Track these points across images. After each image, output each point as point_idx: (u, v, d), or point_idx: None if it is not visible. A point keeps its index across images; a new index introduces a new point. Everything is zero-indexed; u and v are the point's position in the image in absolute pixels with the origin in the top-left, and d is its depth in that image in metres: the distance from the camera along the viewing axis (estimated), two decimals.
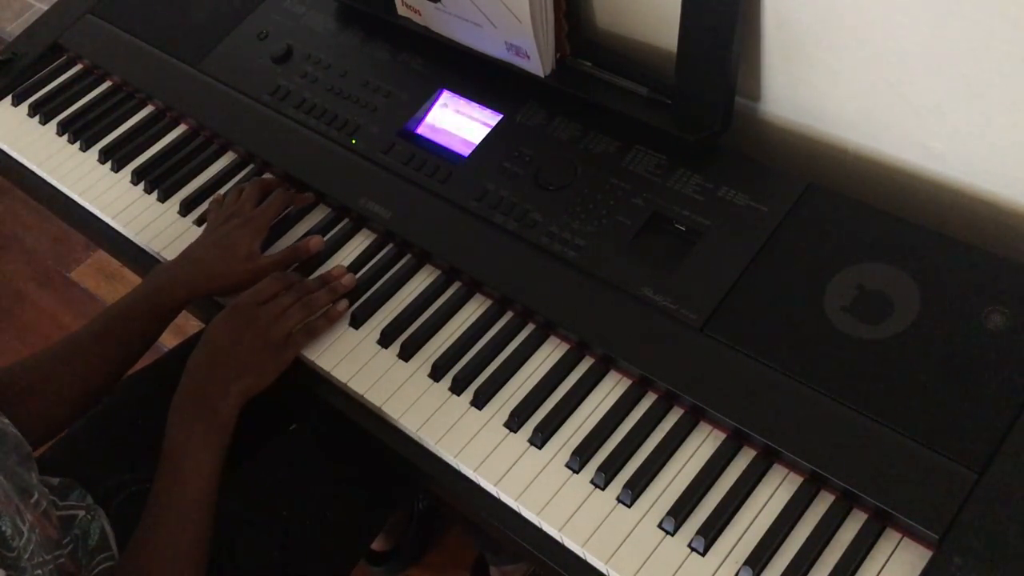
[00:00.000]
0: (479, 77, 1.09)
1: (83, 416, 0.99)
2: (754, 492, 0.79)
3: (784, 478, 0.80)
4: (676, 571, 0.76)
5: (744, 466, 0.81)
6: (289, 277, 0.98)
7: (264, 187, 1.09)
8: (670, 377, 0.85)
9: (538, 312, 0.92)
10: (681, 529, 0.78)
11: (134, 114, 1.26)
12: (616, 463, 0.82)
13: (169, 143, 1.21)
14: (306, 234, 1.06)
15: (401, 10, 1.14)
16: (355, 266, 1.02)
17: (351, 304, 0.99)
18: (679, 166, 0.96)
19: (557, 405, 0.87)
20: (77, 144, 1.24)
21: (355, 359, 0.94)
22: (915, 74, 0.86)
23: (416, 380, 0.92)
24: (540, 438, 0.85)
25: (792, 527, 0.77)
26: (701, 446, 0.83)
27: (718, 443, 0.82)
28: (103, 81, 1.32)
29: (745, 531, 0.78)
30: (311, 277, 1.00)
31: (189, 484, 0.85)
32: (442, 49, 1.12)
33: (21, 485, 0.79)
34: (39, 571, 0.72)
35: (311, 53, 1.19)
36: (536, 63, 1.03)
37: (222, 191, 1.13)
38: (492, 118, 1.07)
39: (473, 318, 0.95)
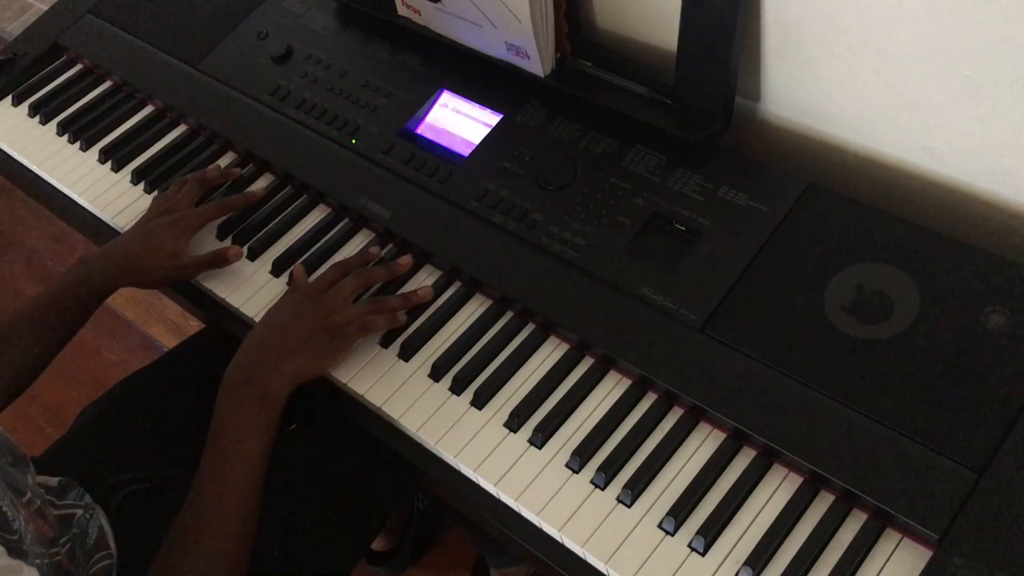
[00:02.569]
0: (479, 77, 1.09)
1: (11, 402, 0.98)
2: (754, 492, 0.79)
3: (784, 478, 0.80)
4: (676, 571, 0.76)
5: (744, 466, 0.81)
6: (349, 263, 0.98)
7: (204, 183, 1.10)
8: (670, 377, 0.85)
9: (538, 312, 0.92)
10: (681, 529, 0.78)
11: (134, 114, 1.26)
12: (616, 463, 0.82)
13: (169, 143, 1.21)
14: (304, 235, 1.06)
15: (401, 10, 1.14)
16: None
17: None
18: (679, 166, 0.96)
19: (557, 405, 0.87)
20: (77, 144, 1.24)
21: (355, 359, 0.94)
22: (915, 74, 0.86)
23: (416, 380, 0.92)
24: (540, 438, 0.85)
25: (792, 527, 0.77)
26: (701, 446, 0.83)
27: (718, 443, 0.82)
28: (103, 81, 1.32)
29: (745, 531, 0.78)
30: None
31: (236, 457, 0.84)
32: (442, 49, 1.12)
33: (14, 485, 0.79)
34: (37, 561, 0.72)
35: (311, 53, 1.19)
36: (536, 63, 1.03)
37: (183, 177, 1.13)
38: (492, 118, 1.07)
39: (473, 318, 0.95)
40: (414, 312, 0.96)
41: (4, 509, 0.71)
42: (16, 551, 0.70)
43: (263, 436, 0.86)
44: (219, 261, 1.03)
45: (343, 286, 0.94)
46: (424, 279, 1.00)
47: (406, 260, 0.99)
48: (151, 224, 1.03)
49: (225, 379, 0.88)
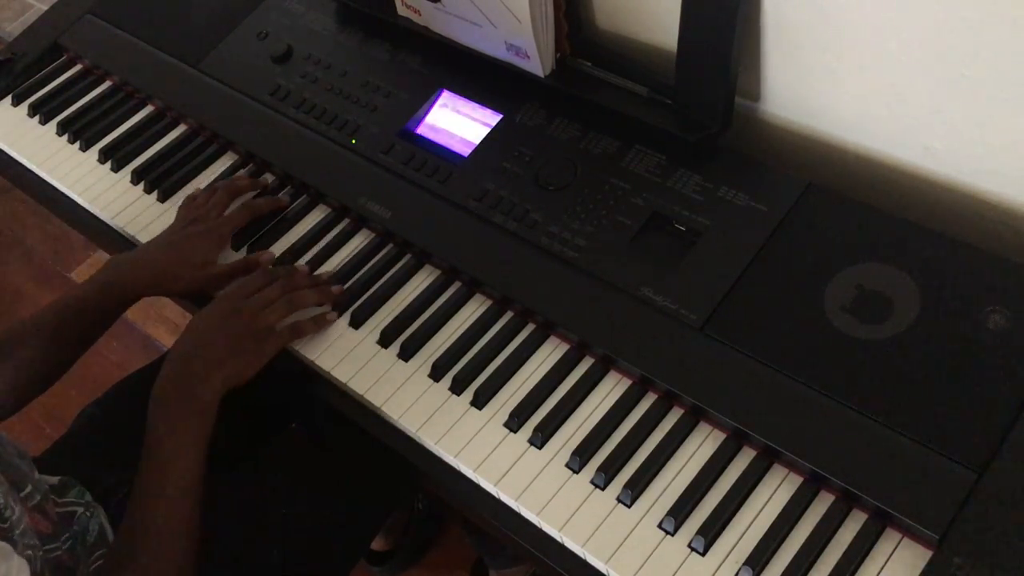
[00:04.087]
0: (479, 77, 1.09)
1: (26, 405, 0.98)
2: (754, 492, 0.79)
3: (784, 478, 0.80)
4: (676, 571, 0.76)
5: (744, 466, 0.81)
6: (277, 271, 0.99)
7: (234, 192, 1.09)
8: (670, 377, 0.85)
9: (538, 312, 0.92)
10: (681, 529, 0.78)
11: (134, 114, 1.26)
12: (616, 463, 0.82)
13: (169, 143, 1.21)
14: (304, 235, 1.06)
15: (401, 10, 1.14)
16: (355, 266, 1.02)
17: (352, 303, 0.99)
18: (679, 166, 0.96)
19: (557, 405, 0.87)
20: (77, 144, 1.24)
21: (355, 359, 0.94)
22: (915, 74, 0.86)
23: (416, 380, 0.92)
24: (540, 438, 0.85)
25: (792, 527, 0.77)
26: (701, 446, 0.83)
27: (718, 443, 0.82)
28: (103, 81, 1.32)
29: (745, 531, 0.77)
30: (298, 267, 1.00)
31: (172, 471, 0.84)
32: (442, 49, 1.12)
33: (14, 477, 0.79)
34: (29, 552, 0.72)
35: (311, 53, 1.19)
36: (536, 63, 1.03)
37: (199, 185, 1.12)
38: (492, 118, 1.07)
39: (473, 318, 0.95)
40: (414, 312, 0.96)
41: None
42: (7, 538, 0.70)
43: (197, 447, 0.86)
44: (248, 267, 1.03)
45: (265, 294, 0.95)
46: (424, 279, 1.00)
47: (338, 288, 0.99)
48: (183, 233, 1.03)
49: (155, 394, 0.88)
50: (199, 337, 0.91)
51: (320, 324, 0.96)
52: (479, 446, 0.86)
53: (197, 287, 1.01)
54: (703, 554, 0.77)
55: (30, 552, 0.73)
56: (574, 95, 1.03)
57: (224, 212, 1.07)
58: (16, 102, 1.32)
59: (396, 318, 0.96)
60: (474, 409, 0.89)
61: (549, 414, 0.87)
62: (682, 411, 0.85)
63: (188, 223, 1.05)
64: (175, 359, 0.90)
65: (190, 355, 0.90)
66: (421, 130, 1.10)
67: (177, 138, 1.22)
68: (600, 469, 0.82)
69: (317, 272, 1.02)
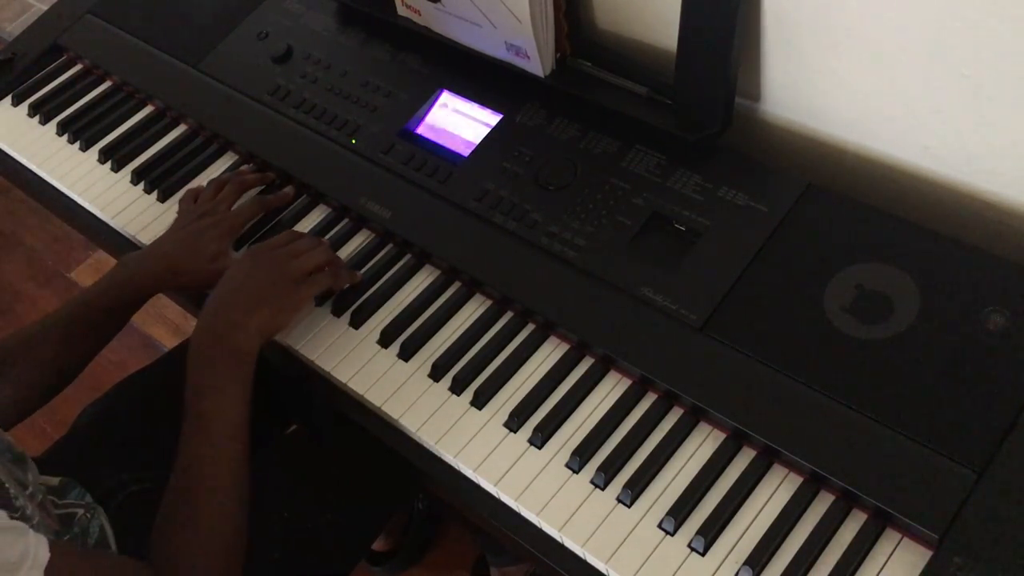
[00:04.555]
0: (479, 77, 1.09)
1: (45, 403, 0.98)
2: (754, 492, 0.79)
3: (784, 478, 0.80)
4: (676, 571, 0.76)
5: (744, 466, 0.81)
6: (302, 233, 1.00)
7: (242, 187, 1.09)
8: (670, 377, 0.85)
9: (538, 312, 0.92)
10: (681, 529, 0.78)
11: (134, 114, 1.26)
12: (616, 463, 0.82)
13: (169, 143, 1.21)
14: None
15: (401, 10, 1.14)
16: (355, 266, 1.02)
17: (351, 305, 0.99)
18: (679, 166, 0.96)
19: (557, 405, 0.87)
20: (77, 144, 1.24)
21: (355, 359, 0.94)
22: (915, 74, 0.86)
23: (416, 380, 0.92)
24: (540, 438, 0.85)
25: (792, 527, 0.77)
26: (701, 446, 0.83)
27: (718, 443, 0.82)
28: (103, 81, 1.32)
29: (745, 531, 0.77)
30: None
31: (216, 423, 0.83)
32: (442, 49, 1.12)
33: (16, 478, 0.79)
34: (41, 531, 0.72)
35: (311, 53, 1.19)
36: (536, 63, 1.03)
37: (199, 184, 1.12)
38: (492, 118, 1.07)
39: (473, 318, 0.95)
40: (414, 312, 0.96)
41: (7, 486, 0.71)
42: (23, 517, 0.70)
43: (241, 394, 0.85)
44: None
45: (297, 244, 0.96)
46: (424, 279, 1.00)
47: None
48: (193, 227, 1.03)
49: (192, 344, 0.87)
50: (234, 285, 0.91)
51: (352, 278, 0.98)
52: (479, 446, 0.86)
53: (209, 281, 1.00)
54: (703, 554, 0.77)
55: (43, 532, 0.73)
56: (574, 95, 1.03)
57: (232, 206, 1.07)
58: (16, 102, 1.32)
59: (396, 318, 0.96)
60: (474, 409, 0.89)
61: (549, 414, 0.87)
62: (682, 411, 0.85)
63: (197, 217, 1.05)
64: (211, 309, 0.90)
65: (225, 304, 0.90)
66: (421, 130, 1.10)
67: (177, 138, 1.22)
68: (600, 469, 0.82)
69: None
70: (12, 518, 0.70)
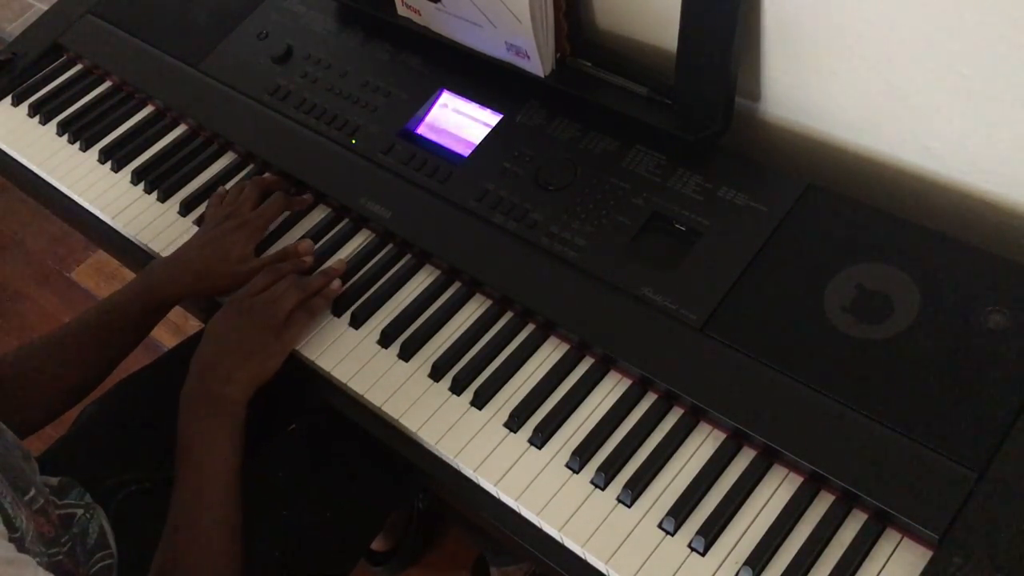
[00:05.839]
0: (479, 77, 1.09)
1: (72, 407, 0.99)
2: (754, 492, 0.79)
3: (784, 478, 0.80)
4: (676, 571, 0.76)
5: (744, 466, 0.81)
6: (280, 268, 0.99)
7: (264, 188, 1.09)
8: (670, 377, 0.85)
9: (538, 312, 0.92)
10: (681, 529, 0.78)
11: (134, 114, 1.26)
12: (616, 463, 0.82)
13: (169, 143, 1.21)
14: (304, 236, 1.06)
15: (401, 10, 1.14)
16: (355, 266, 1.02)
17: (352, 303, 0.99)
18: (679, 166, 0.96)
19: (557, 405, 0.87)
20: (77, 144, 1.24)
21: (355, 359, 0.94)
22: (915, 74, 0.86)
23: (416, 380, 0.92)
24: (540, 438, 0.85)
25: (792, 527, 0.77)
26: (701, 446, 0.83)
27: (718, 443, 0.82)
28: (103, 81, 1.32)
29: (745, 531, 0.78)
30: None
31: (208, 474, 0.84)
32: (442, 49, 1.12)
33: (19, 482, 0.79)
34: (37, 559, 0.72)
35: (311, 53, 1.19)
36: (536, 63, 1.03)
37: (225, 187, 1.12)
38: (492, 118, 1.07)
39: (473, 318, 0.95)
40: (414, 312, 0.97)
41: (5, 507, 0.71)
42: (20, 546, 0.70)
43: (232, 444, 0.86)
44: (288, 257, 1.02)
45: (274, 289, 0.95)
46: (424, 279, 1.00)
47: (340, 264, 1.01)
48: (218, 230, 1.03)
49: (183, 400, 0.88)
50: (219, 340, 0.92)
51: (328, 297, 0.98)
52: (479, 446, 0.86)
53: (234, 284, 1.00)
54: (703, 554, 0.77)
55: (38, 560, 0.73)
56: (574, 95, 1.03)
57: (254, 207, 1.07)
58: (16, 102, 1.32)
59: (396, 318, 0.97)
60: (474, 409, 0.89)
61: (549, 414, 0.87)
62: (682, 411, 0.85)
63: (221, 220, 1.05)
64: (199, 365, 0.90)
65: (212, 361, 0.90)
66: (421, 130, 1.10)
67: (177, 138, 1.22)
68: (600, 469, 0.82)
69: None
70: (11, 538, 0.70)
